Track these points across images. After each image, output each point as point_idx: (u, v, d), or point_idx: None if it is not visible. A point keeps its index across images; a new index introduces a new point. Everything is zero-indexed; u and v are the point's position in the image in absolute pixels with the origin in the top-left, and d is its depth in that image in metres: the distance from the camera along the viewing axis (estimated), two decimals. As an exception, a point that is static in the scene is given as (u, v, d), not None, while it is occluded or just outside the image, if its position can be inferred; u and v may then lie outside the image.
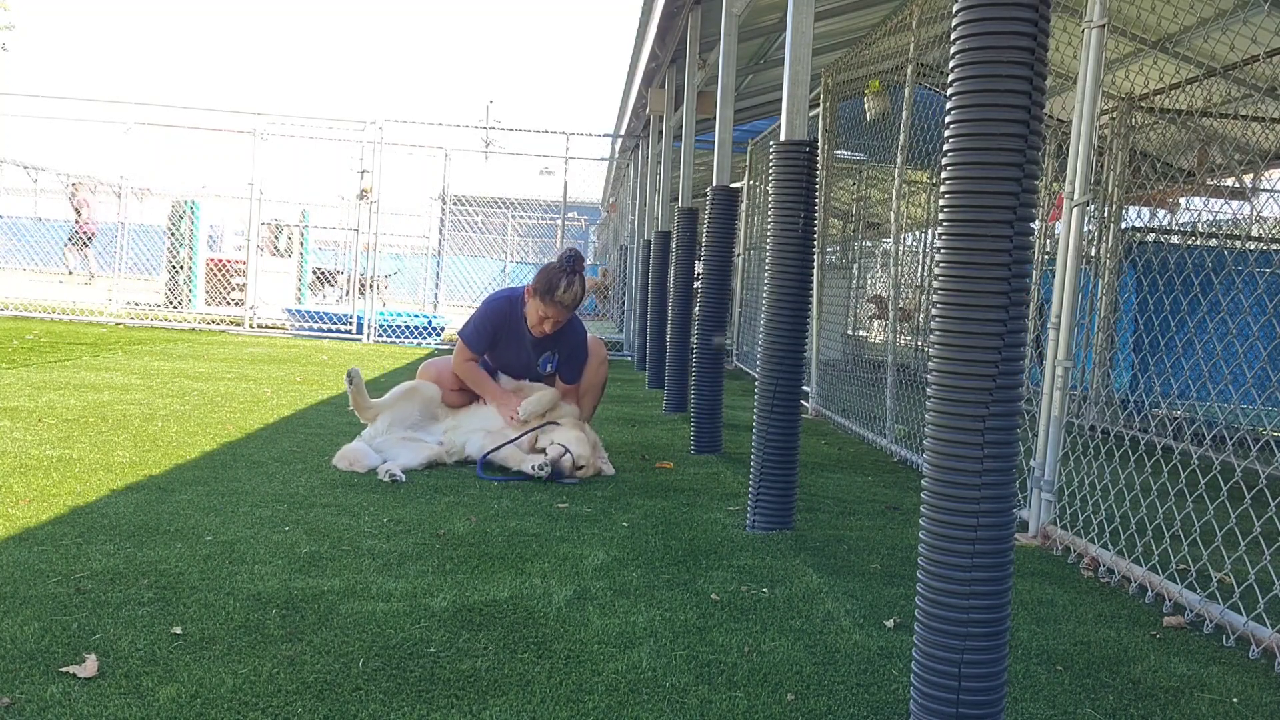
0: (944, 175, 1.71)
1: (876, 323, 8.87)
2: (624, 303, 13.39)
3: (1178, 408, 5.62)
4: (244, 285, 12.41)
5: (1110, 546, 3.13)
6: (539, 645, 2.14)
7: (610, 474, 4.13)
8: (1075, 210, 3.30)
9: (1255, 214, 7.08)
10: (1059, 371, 3.34)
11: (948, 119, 1.71)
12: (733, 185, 5.54)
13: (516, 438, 4.02)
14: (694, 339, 5.28)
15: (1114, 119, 6.55)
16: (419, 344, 11.52)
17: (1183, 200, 7.43)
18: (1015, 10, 1.63)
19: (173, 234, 13.75)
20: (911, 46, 5.24)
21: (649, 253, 9.09)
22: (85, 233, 15.49)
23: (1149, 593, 2.86)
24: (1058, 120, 7.02)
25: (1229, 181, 7.14)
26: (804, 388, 5.28)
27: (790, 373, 3.31)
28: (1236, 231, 6.97)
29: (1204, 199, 6.75)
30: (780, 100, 3.49)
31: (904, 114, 5.31)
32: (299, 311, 12.27)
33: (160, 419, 4.70)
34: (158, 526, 2.84)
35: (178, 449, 4.00)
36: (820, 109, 6.85)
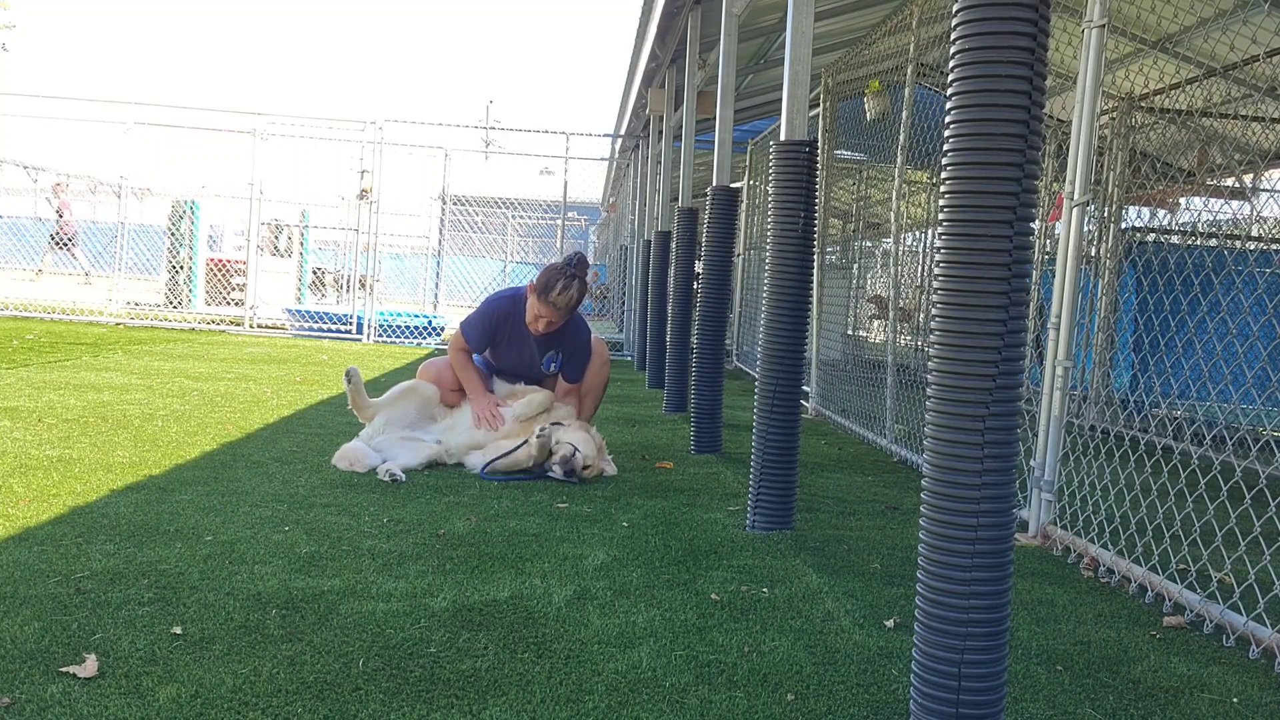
0: (944, 175, 1.71)
1: (876, 323, 8.87)
2: (624, 303, 13.39)
3: (1178, 408, 5.63)
4: (244, 285, 12.40)
5: (1110, 546, 3.13)
6: (539, 645, 2.14)
7: (612, 474, 4.13)
8: (1075, 210, 3.30)
9: (1255, 214, 7.08)
10: (1059, 371, 3.34)
11: (948, 119, 1.71)
12: (733, 185, 5.54)
13: (513, 449, 3.99)
14: (694, 339, 5.28)
15: (1114, 119, 6.55)
16: (419, 344, 11.52)
17: (1183, 200, 7.43)
18: (1015, 10, 1.63)
19: (173, 234, 13.76)
20: (911, 46, 5.24)
21: (649, 253, 9.09)
22: (66, 233, 15.51)
23: (1149, 593, 2.86)
24: (1058, 120, 7.02)
25: (1229, 181, 7.14)
26: (804, 388, 5.28)
27: (790, 373, 3.31)
28: (1236, 231, 6.97)
29: (1204, 199, 6.75)
30: (780, 100, 3.49)
31: (904, 114, 5.31)
32: (299, 311, 12.27)
33: (160, 419, 4.70)
34: (158, 526, 2.84)
35: (178, 449, 4.00)
36: (820, 109, 6.85)
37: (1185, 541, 3.26)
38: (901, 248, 6.07)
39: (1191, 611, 2.66)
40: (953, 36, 1.70)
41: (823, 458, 5.05)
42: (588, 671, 2.02)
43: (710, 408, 4.90)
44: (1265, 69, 5.80)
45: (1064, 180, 3.35)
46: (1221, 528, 2.97)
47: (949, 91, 1.72)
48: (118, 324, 11.19)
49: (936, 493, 1.75)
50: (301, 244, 15.49)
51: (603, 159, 14.63)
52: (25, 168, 14.40)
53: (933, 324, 1.76)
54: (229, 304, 13.59)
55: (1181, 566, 2.95)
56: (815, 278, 6.68)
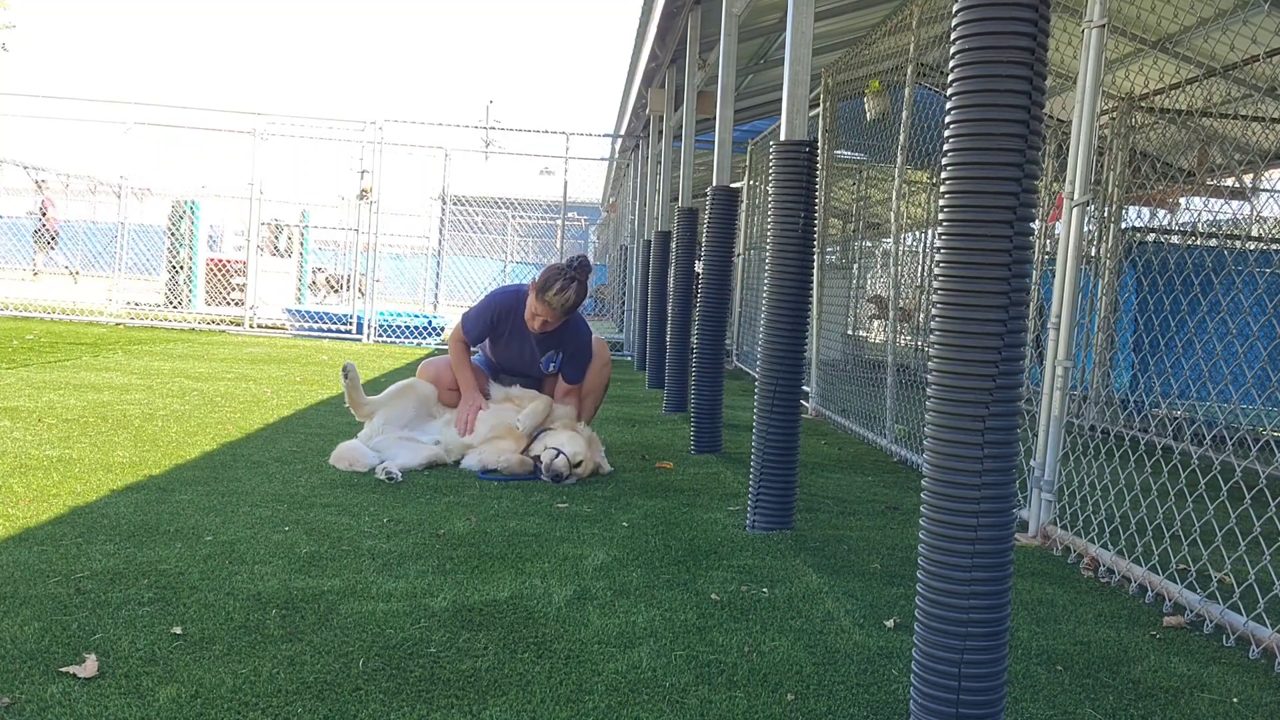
0: (944, 175, 1.71)
1: (876, 323, 8.87)
2: (624, 303, 13.39)
3: (1178, 408, 5.62)
4: (244, 285, 12.41)
5: (1110, 546, 3.13)
6: (539, 645, 2.14)
7: (608, 471, 4.12)
8: (1075, 210, 3.30)
9: (1255, 214, 7.08)
10: (1059, 371, 3.34)
11: (948, 119, 1.71)
12: (733, 185, 5.54)
13: (504, 461, 3.99)
14: (694, 339, 5.28)
15: (1114, 119, 6.55)
16: (419, 344, 11.52)
17: (1183, 200, 7.43)
18: (1015, 10, 1.63)
19: (173, 234, 13.76)
20: (911, 46, 5.24)
21: (649, 253, 9.09)
22: (50, 231, 15.52)
23: (1149, 593, 2.86)
24: (1058, 120, 7.01)
25: (1229, 181, 7.14)
26: (804, 388, 5.28)
27: (790, 373, 3.31)
28: (1236, 231, 6.97)
29: (1204, 199, 6.75)
30: (780, 100, 3.49)
31: (904, 114, 5.31)
32: (299, 311, 12.28)
33: (160, 419, 4.70)
34: (158, 526, 2.84)
35: (178, 449, 4.00)
36: (820, 109, 6.85)
37: (1185, 541, 3.26)
38: (901, 248, 6.07)
39: (1191, 611, 2.66)
40: (953, 36, 1.71)
41: (823, 458, 5.05)
42: (588, 671, 2.02)
43: (710, 408, 4.90)
44: (1265, 69, 5.80)
45: (1064, 180, 3.35)
46: (1221, 528, 2.97)
47: (949, 91, 1.72)
48: (118, 324, 11.19)
49: (936, 493, 1.75)
50: (301, 244, 15.49)
51: (603, 159, 14.63)
52: (25, 168, 14.40)
53: (933, 324, 1.76)
54: (229, 304, 13.59)
55: (1181, 566, 2.95)
56: (815, 278, 6.68)
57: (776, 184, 3.36)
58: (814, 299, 5.61)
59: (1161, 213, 7.54)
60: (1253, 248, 6.76)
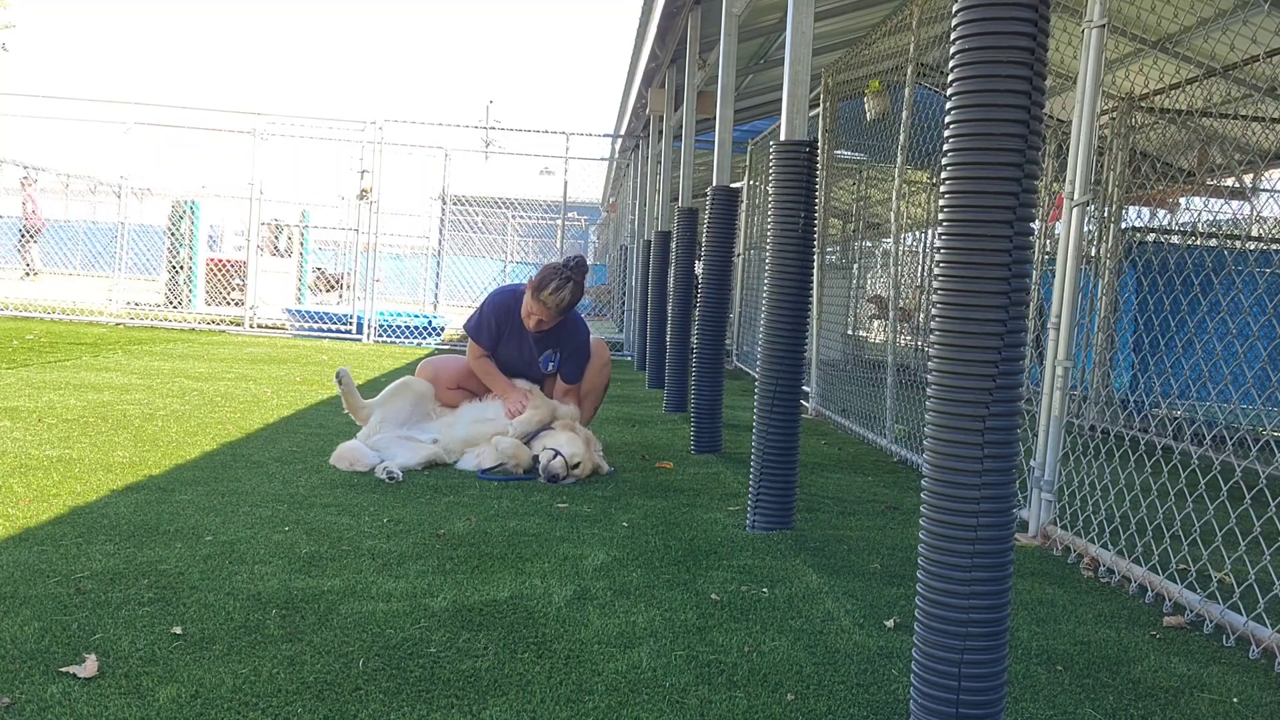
0: (944, 175, 1.71)
1: (876, 323, 8.87)
2: (624, 303, 13.39)
3: (1178, 408, 5.62)
4: (244, 285, 12.41)
5: (1110, 546, 3.13)
6: (539, 645, 2.14)
7: (608, 472, 4.12)
8: (1075, 210, 3.30)
9: (1255, 214, 7.08)
10: (1059, 371, 3.34)
11: (948, 119, 1.71)
12: (733, 185, 5.54)
13: (500, 463, 3.99)
14: (694, 339, 5.28)
15: (1114, 119, 6.55)
16: (419, 344, 11.53)
17: (1183, 200, 7.43)
18: (1015, 10, 1.63)
19: (173, 234, 13.76)
20: (911, 46, 5.24)
21: (649, 253, 9.09)
22: (34, 228, 15.52)
23: (1149, 593, 2.86)
24: (1058, 120, 7.01)
25: (1229, 181, 7.14)
26: (804, 388, 5.28)
27: (790, 373, 3.31)
28: (1236, 231, 6.96)
29: (1204, 199, 6.75)
30: (780, 100, 3.49)
31: (904, 114, 5.31)
32: (299, 311, 12.28)
33: (160, 419, 4.70)
34: (158, 526, 2.84)
35: (178, 449, 4.00)
36: (820, 109, 6.85)
37: (1185, 541, 3.26)
38: (901, 248, 6.07)
39: (1191, 611, 2.66)
40: (953, 36, 1.71)
41: (823, 458, 5.05)
42: (588, 671, 2.02)
43: (710, 408, 4.90)
44: (1265, 69, 5.80)
45: (1064, 180, 3.35)
46: (1221, 528, 2.97)
47: (949, 91, 1.72)
48: (118, 324, 11.19)
49: (936, 493, 1.75)
50: (301, 244, 15.49)
51: (603, 159, 14.63)
52: (25, 168, 14.40)
53: (933, 324, 1.76)
54: (229, 304, 13.59)
55: (1181, 566, 2.95)
56: (815, 278, 6.68)
57: (776, 184, 3.36)
58: (814, 299, 5.61)
59: (1161, 213, 7.54)
60: (1253, 248, 6.76)
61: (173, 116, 11.82)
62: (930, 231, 6.82)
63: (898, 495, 4.16)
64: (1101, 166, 6.56)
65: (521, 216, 19.70)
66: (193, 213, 13.70)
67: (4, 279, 14.68)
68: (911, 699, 1.82)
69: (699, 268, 5.38)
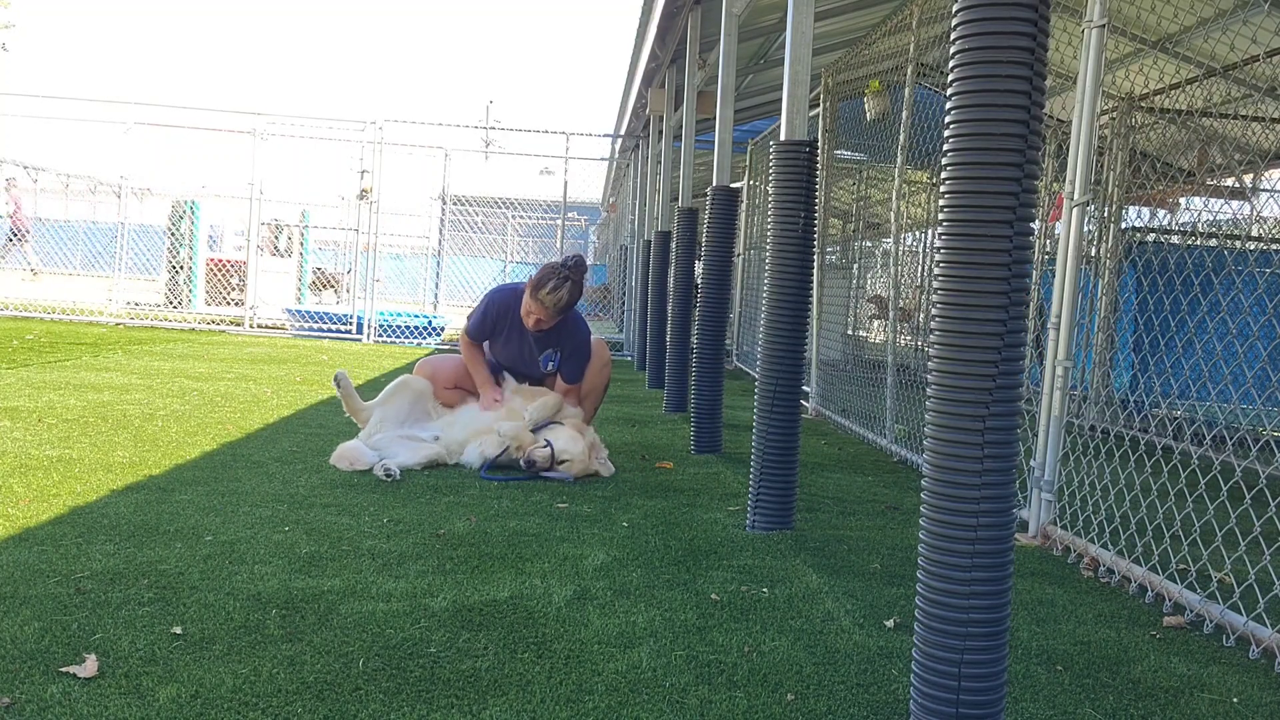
0: (944, 175, 1.71)
1: (876, 323, 8.86)
2: (624, 303, 13.39)
3: (1178, 408, 5.62)
4: (244, 285, 12.41)
5: (1110, 546, 3.13)
6: (539, 645, 2.14)
7: (607, 475, 4.10)
8: (1075, 210, 3.30)
9: (1255, 214, 7.08)
10: (1059, 371, 3.34)
11: (948, 119, 1.71)
12: (733, 185, 5.54)
13: (500, 452, 3.99)
14: (694, 339, 5.28)
15: (1114, 119, 6.55)
16: (419, 344, 11.53)
17: (1183, 200, 7.43)
18: (1015, 10, 1.63)
19: (173, 234, 13.76)
20: (911, 46, 5.24)
21: (649, 253, 9.09)
22: (21, 228, 15.53)
23: (1149, 593, 2.86)
24: (1058, 120, 7.01)
25: (1229, 181, 7.14)
26: (804, 388, 5.28)
27: (790, 373, 3.31)
28: (1236, 231, 6.96)
29: (1204, 199, 6.75)
30: (780, 100, 3.49)
31: (904, 114, 5.31)
32: (299, 311, 12.28)
33: (160, 419, 4.70)
34: (158, 526, 2.84)
35: (178, 449, 4.00)
36: (820, 109, 6.85)
37: (1185, 541, 3.26)
38: (901, 248, 6.07)
39: (1191, 611, 2.66)
40: (953, 36, 1.70)
41: (823, 458, 5.05)
42: (588, 671, 2.02)
43: (710, 408, 4.90)
44: (1265, 69, 5.80)
45: (1064, 180, 3.35)
46: (1221, 528, 2.97)
47: (949, 91, 1.72)
48: (118, 324, 11.19)
49: (936, 493, 1.75)
50: (301, 244, 15.49)
51: (603, 159, 14.63)
52: (25, 168, 14.41)
53: (933, 324, 1.76)
54: (229, 304, 13.59)
55: (1181, 566, 2.95)
56: (815, 278, 6.68)
57: (776, 184, 3.36)
58: (814, 299, 5.61)
59: (1161, 213, 7.54)
60: (1253, 248, 6.76)
61: (173, 116, 11.83)
62: (930, 231, 6.81)
63: (898, 495, 4.16)
64: (1101, 166, 6.56)
65: (521, 216, 19.70)
66: (193, 213, 13.71)
67: (4, 279, 14.68)
68: (911, 699, 1.82)
69: (699, 268, 5.38)
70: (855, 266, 8.41)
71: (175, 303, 13.38)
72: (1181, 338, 3.91)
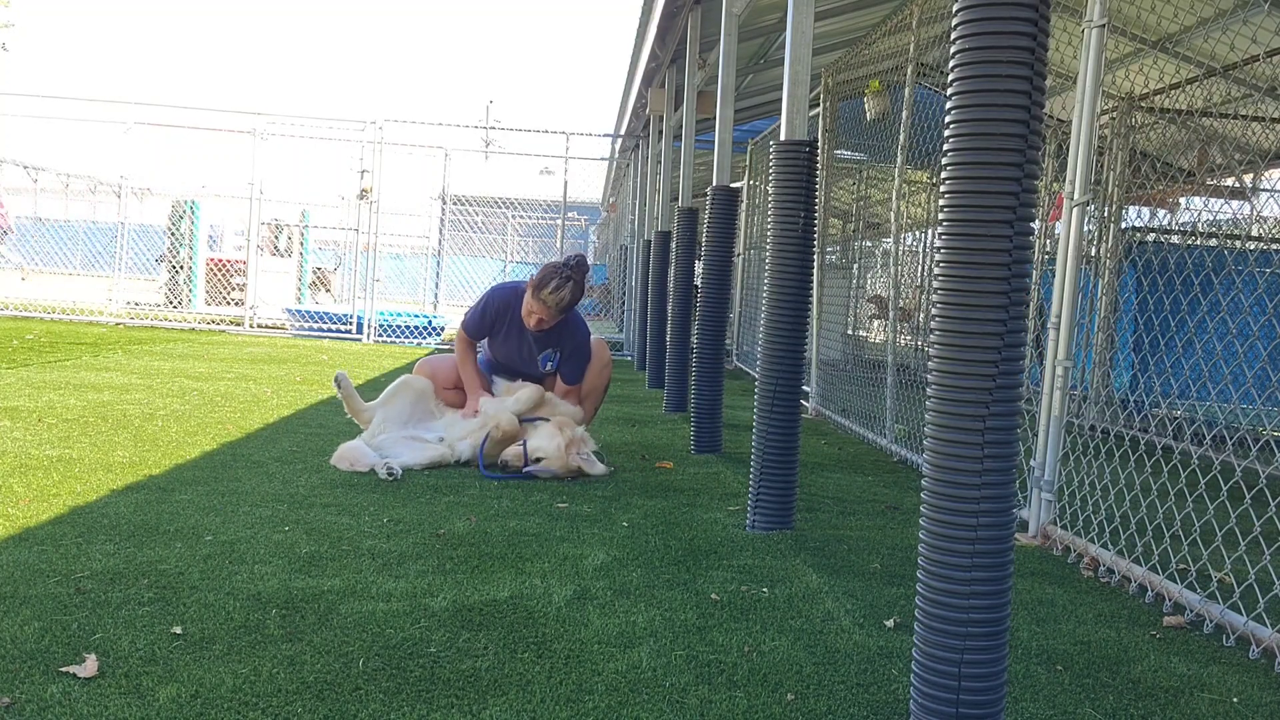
0: (944, 175, 1.71)
1: (876, 323, 8.86)
2: (624, 303, 13.39)
3: (1178, 408, 5.62)
4: (244, 285, 12.41)
5: (1110, 546, 3.13)
6: (539, 645, 2.14)
7: (596, 474, 4.01)
8: (1075, 210, 3.30)
9: (1255, 214, 7.08)
10: (1059, 371, 3.34)
11: (948, 119, 1.71)
12: (733, 185, 5.54)
13: (484, 441, 4.00)
14: (694, 339, 5.28)
15: (1114, 119, 6.55)
16: (419, 344, 11.53)
17: (1183, 200, 7.43)
18: (1015, 10, 1.63)
19: (173, 234, 13.76)
20: (911, 46, 5.24)
21: (649, 253, 9.09)
22: (2, 228, 15.53)
23: (1149, 593, 2.86)
24: (1058, 120, 7.01)
25: (1229, 181, 7.14)
26: (804, 388, 5.28)
27: (790, 373, 3.31)
28: (1236, 231, 6.96)
29: (1204, 199, 6.75)
30: (780, 100, 3.49)
31: (904, 114, 5.31)
32: (299, 311, 12.28)
33: (160, 419, 4.70)
34: (158, 526, 2.84)
35: (178, 449, 4.00)
36: (820, 109, 6.85)
37: (1185, 541, 3.26)
38: (901, 248, 6.07)
39: (1191, 611, 2.66)
40: (953, 36, 1.70)
41: (823, 458, 5.05)
42: (588, 671, 2.02)
43: (710, 408, 4.90)
44: (1265, 69, 5.80)
45: (1064, 180, 3.35)
46: (1221, 528, 2.97)
47: (949, 91, 1.72)
48: (118, 324, 11.19)
49: (936, 493, 1.75)
50: (301, 244, 15.50)
51: (603, 159, 14.63)
52: (25, 168, 14.41)
53: (933, 324, 1.76)
54: (229, 304, 13.60)
55: (1181, 566, 2.95)
56: (815, 278, 6.68)
57: (776, 184, 3.36)
58: (814, 299, 5.61)
59: (1161, 213, 7.54)
60: (1253, 248, 6.76)
61: (173, 116, 11.83)
62: (930, 231, 6.81)
63: (898, 495, 4.16)
64: (1101, 166, 6.56)
65: (521, 216, 19.70)
66: (193, 213, 13.71)
67: (4, 279, 14.68)
68: (911, 699, 1.82)
69: (699, 268, 5.38)
70: (855, 266, 8.42)
71: (175, 303, 13.38)
72: (1181, 338, 3.91)
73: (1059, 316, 3.34)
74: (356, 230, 12.06)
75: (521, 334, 4.37)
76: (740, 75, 8.38)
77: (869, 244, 9.27)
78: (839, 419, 6.31)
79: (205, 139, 11.89)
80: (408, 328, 11.91)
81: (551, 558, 2.82)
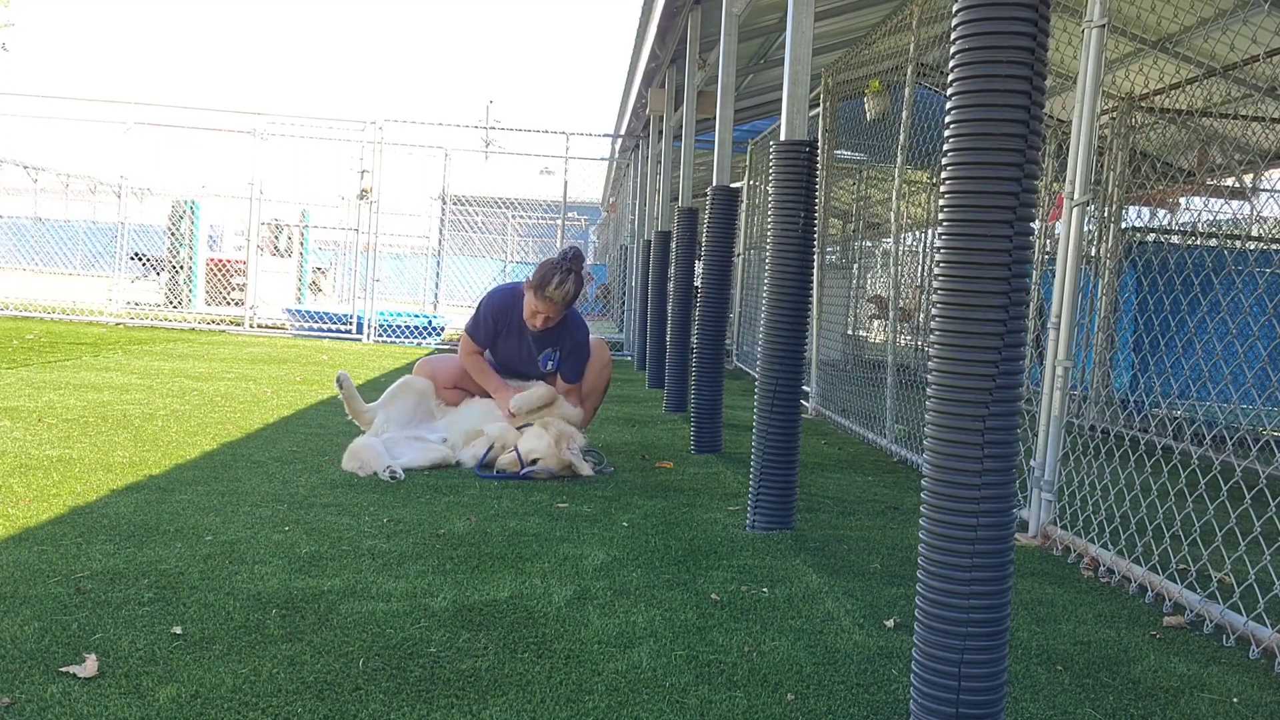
0: (944, 175, 1.71)
1: (876, 323, 8.86)
2: (624, 303, 13.39)
3: (1178, 408, 5.62)
4: (244, 285, 12.41)
5: (1110, 546, 3.13)
6: (539, 645, 2.14)
7: (587, 474, 3.99)
8: (1075, 210, 3.30)
9: (1255, 214, 7.08)
10: (1059, 371, 3.34)
11: (948, 119, 1.71)
12: (733, 185, 5.54)
13: (489, 449, 3.99)
14: (694, 339, 5.28)
15: (1114, 119, 6.55)
16: (419, 344, 11.53)
17: (1183, 200, 7.43)
18: (1015, 10, 1.63)
19: (173, 234, 13.76)
20: (911, 46, 5.24)
21: (649, 253, 9.09)
22: None
23: (1149, 593, 2.86)
24: (1058, 120, 7.01)
25: (1229, 181, 7.14)
26: (804, 388, 5.28)
27: (790, 373, 3.31)
28: (1236, 231, 6.96)
29: (1204, 199, 6.75)
30: (780, 100, 3.49)
31: (904, 114, 5.31)
32: (299, 311, 12.28)
33: (160, 419, 4.70)
34: (158, 526, 2.84)
35: (178, 449, 4.00)
36: (820, 109, 6.85)
37: (1185, 541, 3.26)
38: (901, 248, 6.07)
39: (1191, 611, 2.66)
40: (953, 36, 1.70)
41: (823, 458, 5.05)
42: (588, 671, 2.02)
43: (710, 408, 4.90)
44: (1265, 69, 5.80)
45: (1064, 180, 3.35)
46: (1221, 528, 2.97)
47: (949, 91, 1.72)
48: (118, 324, 11.19)
49: (936, 493, 1.75)
50: (301, 244, 15.50)
51: (603, 159, 14.63)
52: (25, 168, 14.41)
53: (933, 324, 1.76)
54: (229, 304, 13.60)
55: (1181, 566, 2.95)
56: (815, 278, 6.68)
57: (776, 184, 3.36)
58: (814, 299, 5.61)
59: (1161, 213, 7.54)
60: (1253, 248, 6.76)
61: (173, 116, 11.84)
62: (930, 231, 6.81)
63: (898, 495, 4.16)
64: (1101, 166, 6.56)
65: (521, 216, 19.70)
66: (193, 213, 13.71)
67: (4, 279, 14.67)
68: (911, 699, 1.82)
69: (699, 268, 5.38)
70: (855, 266, 8.41)
71: (175, 303, 13.38)
72: (1181, 338, 3.91)
73: (1059, 316, 3.34)
74: (356, 230, 12.07)
75: (521, 335, 4.38)
76: (740, 75, 8.38)
77: (869, 244, 9.27)
78: (839, 419, 6.31)
79: (205, 139, 11.91)
80: (408, 328, 11.91)
81: (551, 558, 2.82)
